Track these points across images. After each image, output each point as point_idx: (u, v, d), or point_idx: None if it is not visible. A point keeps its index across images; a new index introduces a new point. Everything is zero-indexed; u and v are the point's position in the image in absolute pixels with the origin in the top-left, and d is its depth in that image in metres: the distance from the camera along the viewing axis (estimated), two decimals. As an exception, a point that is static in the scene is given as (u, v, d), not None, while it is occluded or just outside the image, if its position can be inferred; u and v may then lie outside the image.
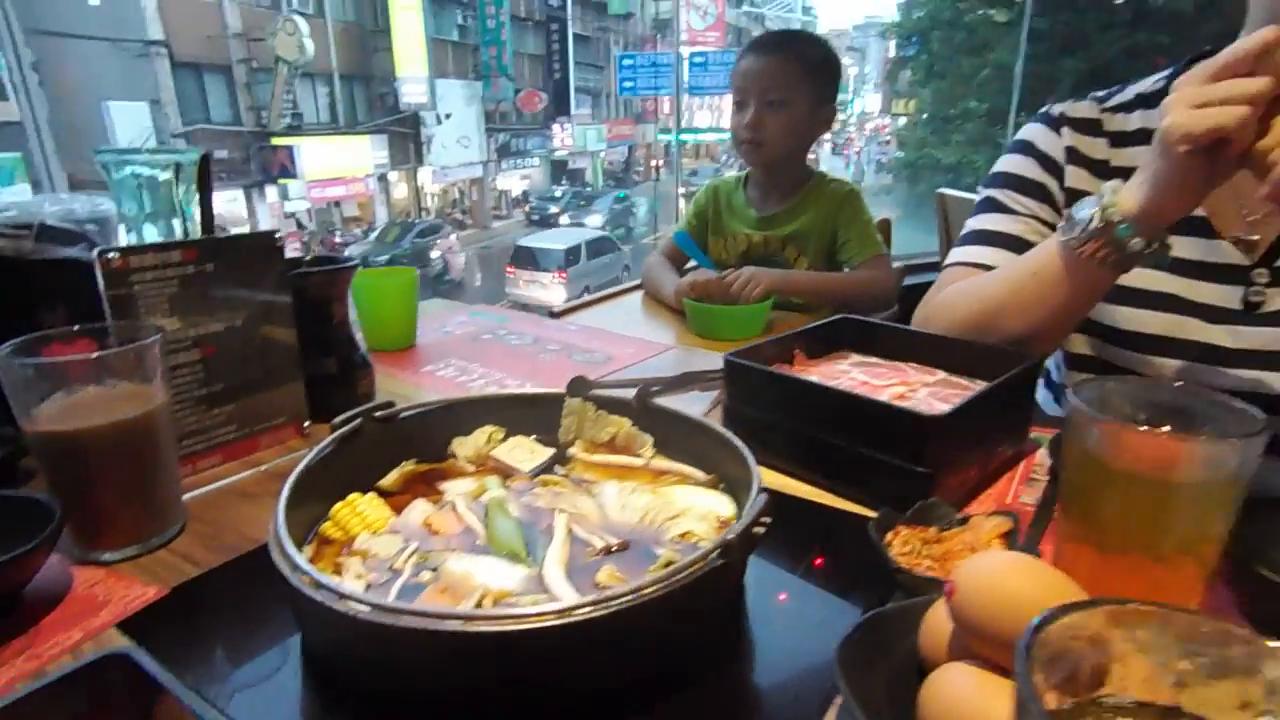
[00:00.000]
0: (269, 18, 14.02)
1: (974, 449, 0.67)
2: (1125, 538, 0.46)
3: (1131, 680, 0.29)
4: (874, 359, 0.85)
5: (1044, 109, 0.92)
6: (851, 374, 0.80)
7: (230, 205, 14.06)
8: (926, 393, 0.75)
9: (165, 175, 0.64)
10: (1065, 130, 0.88)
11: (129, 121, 11.40)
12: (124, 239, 0.66)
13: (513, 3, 20.34)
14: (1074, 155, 0.87)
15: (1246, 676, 0.27)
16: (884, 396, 0.73)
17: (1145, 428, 0.47)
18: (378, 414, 0.60)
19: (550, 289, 12.71)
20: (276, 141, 14.37)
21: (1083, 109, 0.89)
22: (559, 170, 25.55)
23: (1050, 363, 1.01)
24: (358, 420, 0.59)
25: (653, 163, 29.56)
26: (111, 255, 0.57)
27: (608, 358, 1.04)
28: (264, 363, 0.69)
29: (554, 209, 20.61)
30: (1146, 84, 0.87)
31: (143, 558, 0.56)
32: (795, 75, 1.41)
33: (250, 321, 0.67)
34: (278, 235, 0.66)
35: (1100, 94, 0.90)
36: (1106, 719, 0.28)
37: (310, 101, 15.65)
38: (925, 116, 19.20)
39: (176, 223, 0.65)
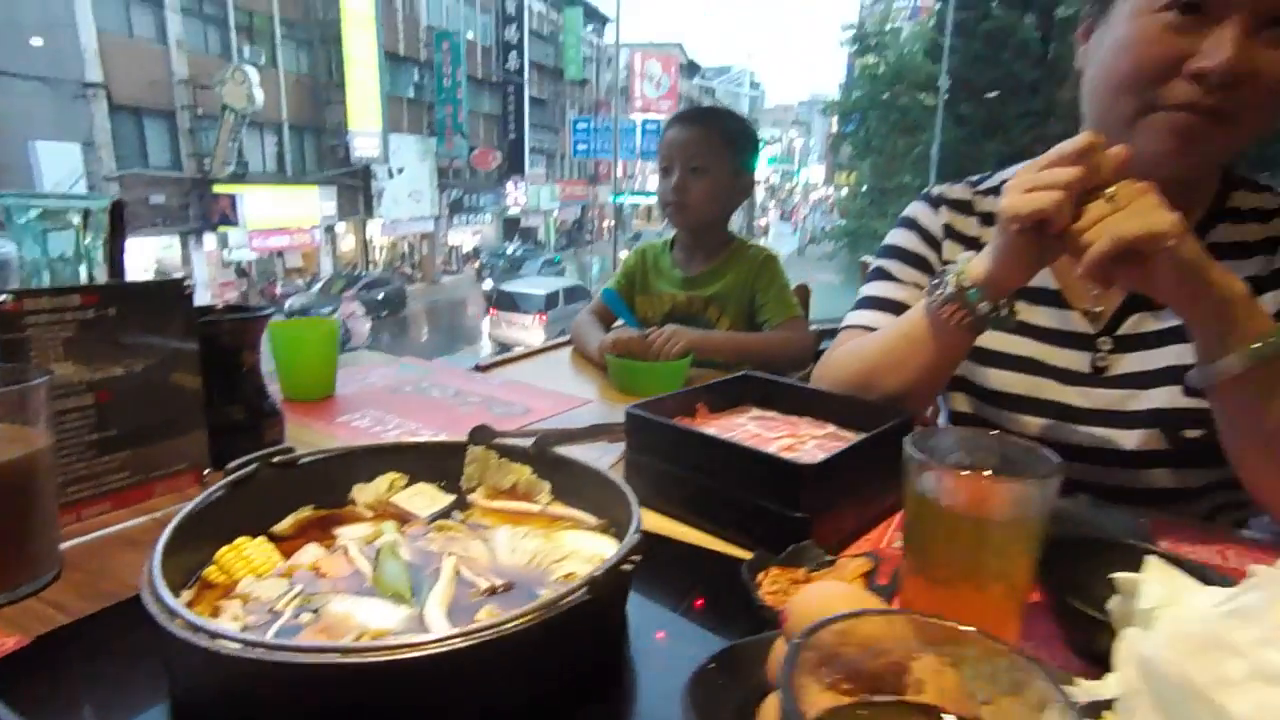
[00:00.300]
0: (218, 66, 14.00)
1: (848, 496, 0.71)
2: (950, 569, 0.52)
3: (902, 681, 0.33)
4: (772, 413, 0.90)
5: (925, 190, 1.03)
6: (747, 426, 0.85)
7: (166, 252, 13.76)
8: (813, 444, 0.80)
9: (74, 220, 0.65)
10: (943, 209, 0.98)
11: (58, 162, 11.13)
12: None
13: (470, 64, 20.79)
14: (950, 231, 0.97)
15: (993, 677, 0.31)
16: (773, 448, 0.77)
17: (965, 472, 0.53)
18: (276, 459, 0.62)
19: (531, 330, 13.27)
20: (219, 189, 14.20)
21: (958, 191, 0.99)
22: (511, 227, 25.80)
23: (941, 420, 1.08)
24: (253, 465, 0.60)
25: (605, 223, 30.15)
26: (3, 298, 0.58)
27: (526, 410, 1.06)
28: (164, 410, 0.70)
29: (505, 265, 20.81)
30: (1010, 171, 0.97)
31: (7, 607, 0.55)
32: (716, 145, 1.53)
33: (152, 368, 0.67)
34: (186, 282, 0.67)
35: (974, 179, 1.01)
36: (864, 715, 0.32)
37: (257, 150, 15.57)
38: (865, 189, 20.21)
39: (83, 269, 0.67)
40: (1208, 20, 0.68)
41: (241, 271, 15.29)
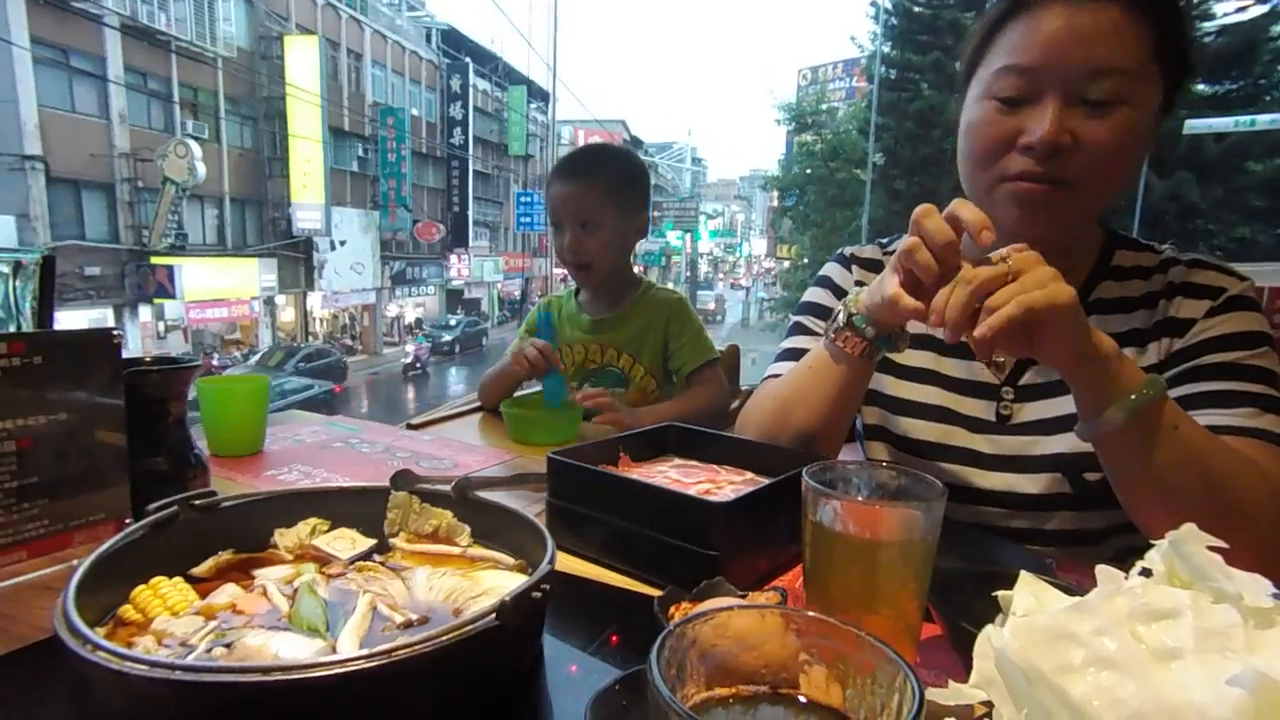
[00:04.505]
0: (160, 139, 13.95)
1: (760, 537, 0.74)
2: (845, 593, 0.55)
3: (777, 675, 0.36)
4: (693, 462, 0.94)
5: (839, 250, 1.12)
6: (668, 474, 0.88)
7: (98, 324, 13.33)
8: (731, 489, 0.83)
9: (5, 269, 0.66)
10: (854, 267, 1.07)
11: None
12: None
13: (415, 140, 21.11)
14: (861, 288, 1.04)
15: (840, 661, 0.35)
16: (692, 492, 0.80)
17: (859, 498, 0.57)
18: (197, 502, 0.63)
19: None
20: (157, 260, 13.94)
21: (868, 251, 1.08)
22: (455, 299, 25.81)
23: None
24: (174, 507, 0.61)
25: (550, 292, 30.58)
26: (-69, 346, 0.59)
27: (454, 464, 1.08)
28: (87, 459, 0.70)
29: (448, 337, 20.74)
30: None
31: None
32: (600, 195, 1.50)
33: (77, 417, 0.68)
34: (115, 333, 0.69)
35: (884, 240, 1.10)
36: (735, 705, 0.35)
37: (198, 222, 15.41)
38: (806, 261, 20.84)
39: (10, 323, 0.68)
40: (1031, 101, 0.80)
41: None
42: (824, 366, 0.87)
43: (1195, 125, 10.90)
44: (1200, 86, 12.08)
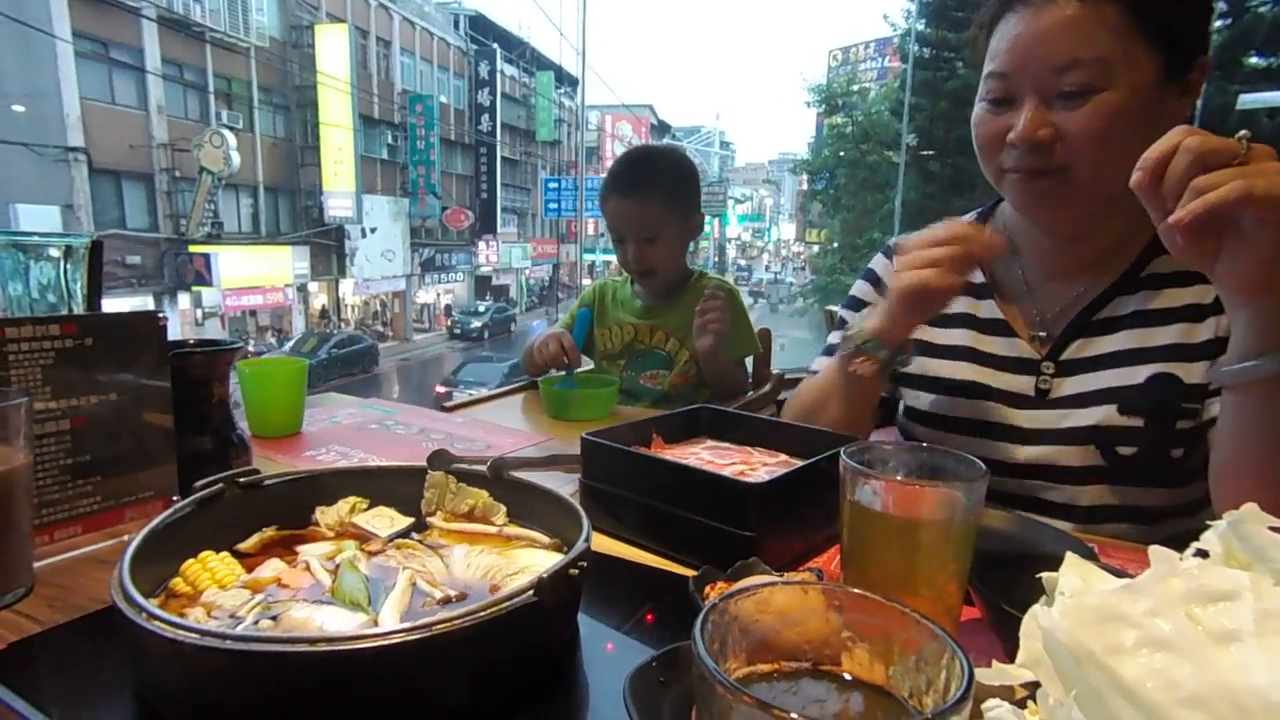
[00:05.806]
0: (196, 129, 14.19)
1: (796, 518, 0.74)
2: (884, 573, 0.55)
3: (819, 652, 0.36)
4: (726, 444, 0.94)
5: (885, 243, 1.13)
6: (701, 455, 0.88)
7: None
8: (765, 471, 0.83)
9: (55, 254, 0.68)
10: (896, 259, 1.05)
11: (37, 224, 11.41)
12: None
13: (443, 127, 21.19)
14: (863, 314, 1.06)
15: (884, 638, 0.35)
16: (725, 473, 0.80)
17: (898, 478, 0.56)
18: (242, 480, 0.64)
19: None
20: (194, 249, 14.25)
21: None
22: (483, 285, 25.98)
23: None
24: (220, 484, 0.62)
25: (581, 280, 30.61)
26: (-14, 326, 0.60)
27: (487, 446, 1.09)
28: (137, 438, 0.72)
29: (476, 324, 20.88)
30: (961, 220, 1.05)
31: (-20, 617, 0.56)
32: (660, 209, 1.54)
33: (126, 397, 0.70)
34: (160, 315, 0.70)
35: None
36: (778, 680, 0.35)
37: (233, 211, 15.69)
38: (835, 245, 20.58)
39: (62, 305, 0.70)
40: (1014, 101, 0.84)
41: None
42: (838, 383, 0.95)
43: (1249, 100, 10.33)
44: (1254, 59, 11.53)
